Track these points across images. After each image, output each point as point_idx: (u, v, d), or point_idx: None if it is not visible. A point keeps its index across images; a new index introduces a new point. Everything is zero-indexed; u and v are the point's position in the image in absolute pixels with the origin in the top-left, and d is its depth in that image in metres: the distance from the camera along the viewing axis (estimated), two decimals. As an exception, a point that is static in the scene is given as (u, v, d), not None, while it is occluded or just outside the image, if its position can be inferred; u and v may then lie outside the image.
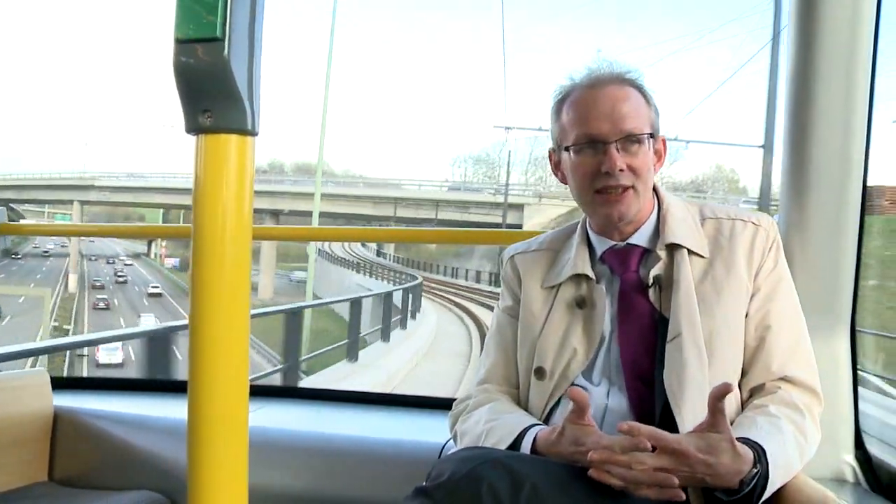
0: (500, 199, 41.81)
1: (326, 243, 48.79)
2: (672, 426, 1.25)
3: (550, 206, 42.35)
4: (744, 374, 1.35)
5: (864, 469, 1.51)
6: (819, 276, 1.50)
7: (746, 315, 1.35)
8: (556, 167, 1.46)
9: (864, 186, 1.49)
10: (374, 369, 10.79)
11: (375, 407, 2.31)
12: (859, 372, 1.54)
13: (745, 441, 1.16)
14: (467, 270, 43.39)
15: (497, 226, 35.86)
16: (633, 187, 1.35)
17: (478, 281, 40.41)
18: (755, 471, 1.14)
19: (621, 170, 1.32)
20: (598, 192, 1.36)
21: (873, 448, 1.51)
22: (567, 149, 1.38)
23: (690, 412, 1.25)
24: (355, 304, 11.04)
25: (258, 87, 0.68)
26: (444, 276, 42.64)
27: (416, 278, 24.36)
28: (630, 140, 1.33)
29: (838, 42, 1.47)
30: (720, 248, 1.37)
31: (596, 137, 1.33)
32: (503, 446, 1.28)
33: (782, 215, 1.57)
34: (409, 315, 16.02)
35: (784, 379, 1.32)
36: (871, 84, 1.48)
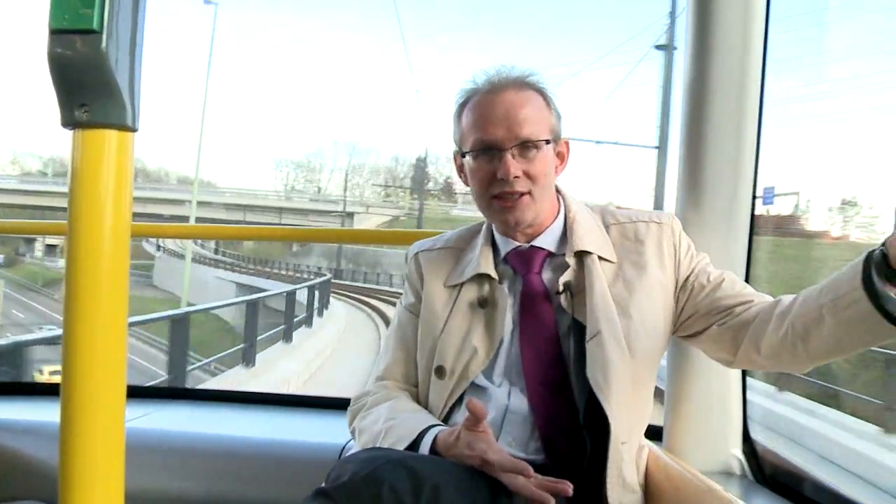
0: (331, 206, 48.94)
1: (167, 242, 51.11)
2: (599, 420, 1.28)
3: (376, 214, 49.28)
4: (718, 312, 1.34)
5: (750, 462, 1.59)
6: None
7: (687, 298, 1.38)
8: (460, 170, 1.46)
9: (754, 194, 1.57)
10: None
11: (277, 408, 2.28)
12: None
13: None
14: (308, 266, 45.21)
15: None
16: (529, 193, 1.35)
17: (319, 275, 42.89)
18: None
19: (516, 176, 1.33)
20: (494, 198, 1.36)
21: (757, 436, 1.59)
22: (464, 154, 1.39)
23: (617, 404, 1.29)
24: (251, 305, 10.55)
25: (139, 81, 0.66)
26: (287, 271, 43.90)
27: (325, 275, 24.60)
28: (526, 146, 1.34)
29: (731, 58, 1.54)
30: (628, 252, 1.41)
31: (491, 144, 1.34)
32: (402, 446, 1.27)
33: (678, 220, 1.64)
34: (314, 313, 15.89)
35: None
36: (761, 94, 1.56)
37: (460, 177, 1.47)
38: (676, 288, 1.39)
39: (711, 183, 1.57)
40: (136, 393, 2.36)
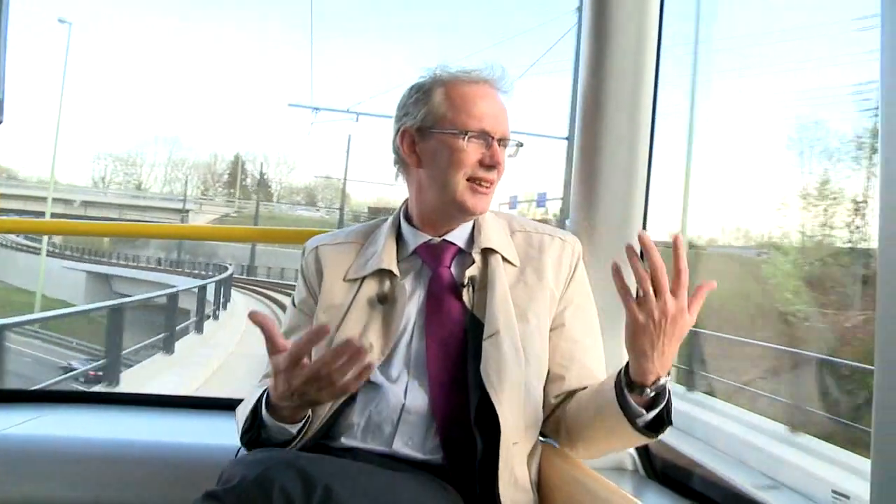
0: (168, 204, 51.86)
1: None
2: (490, 419, 1.29)
3: (208, 212, 53.15)
4: (553, 380, 1.42)
5: (642, 458, 1.64)
6: (605, 286, 1.61)
7: (562, 325, 1.43)
8: (411, 148, 1.42)
9: (647, 199, 1.63)
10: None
11: (171, 410, 2.19)
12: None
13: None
14: (148, 258, 45.64)
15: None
16: (494, 185, 1.41)
17: (158, 265, 43.20)
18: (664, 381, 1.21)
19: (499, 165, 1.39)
20: (470, 181, 1.38)
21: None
22: (444, 132, 1.37)
23: (509, 406, 1.30)
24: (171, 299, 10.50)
25: (3, 71, 0.61)
26: (126, 261, 44.69)
27: (228, 269, 24.21)
28: (506, 144, 1.40)
29: (625, 63, 1.60)
30: (530, 259, 1.44)
31: (491, 133, 1.38)
32: (244, 416, 1.31)
33: (572, 224, 1.68)
34: (214, 311, 15.54)
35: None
36: (654, 102, 1.62)
37: (409, 158, 1.43)
38: (557, 304, 1.44)
39: (605, 194, 1.62)
40: (19, 397, 2.21)
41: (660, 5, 1.60)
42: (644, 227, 1.63)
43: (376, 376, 1.37)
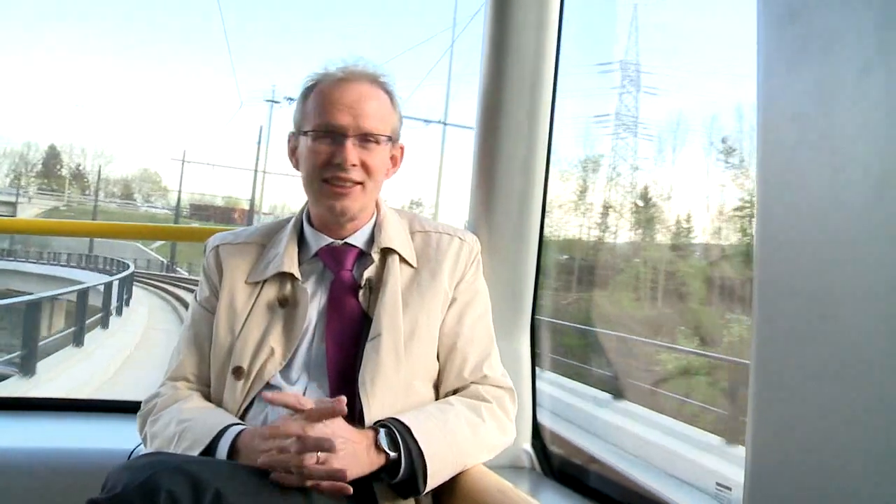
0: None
1: None
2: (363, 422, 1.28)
3: (36, 205, 55.92)
4: (440, 379, 1.42)
5: (539, 456, 1.67)
6: (504, 283, 1.64)
7: (443, 321, 1.42)
8: (293, 153, 1.45)
9: (545, 199, 1.66)
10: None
11: (59, 414, 2.06)
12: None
13: (393, 423, 1.24)
14: (40, 253, 43.96)
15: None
16: (362, 184, 1.37)
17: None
18: (393, 456, 1.21)
19: (354, 164, 1.34)
20: (325, 182, 1.36)
21: (544, 418, 1.68)
22: (305, 133, 1.38)
23: (380, 408, 1.29)
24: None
25: None
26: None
27: (128, 266, 23.36)
28: (368, 138, 1.36)
29: (525, 66, 1.62)
30: (428, 259, 1.44)
31: (335, 128, 1.35)
32: (199, 448, 1.22)
33: (471, 222, 1.69)
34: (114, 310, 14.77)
35: (475, 382, 1.41)
36: (553, 103, 1.65)
37: (291, 160, 1.45)
38: (451, 302, 1.44)
39: (504, 198, 1.65)
40: None
41: (559, 8, 1.64)
42: (542, 226, 1.66)
43: (276, 379, 1.35)
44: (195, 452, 1.22)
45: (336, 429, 1.17)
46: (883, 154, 0.64)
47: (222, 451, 1.22)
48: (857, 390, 0.65)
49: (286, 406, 1.19)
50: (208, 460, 1.19)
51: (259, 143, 45.04)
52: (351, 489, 1.14)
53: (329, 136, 1.35)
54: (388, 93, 1.43)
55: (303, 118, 1.41)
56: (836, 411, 0.67)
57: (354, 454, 1.17)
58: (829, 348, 0.68)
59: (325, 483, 1.13)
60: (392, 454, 1.21)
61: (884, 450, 0.62)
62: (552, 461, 1.66)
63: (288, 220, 1.50)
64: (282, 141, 1.50)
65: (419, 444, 1.22)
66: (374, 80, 1.41)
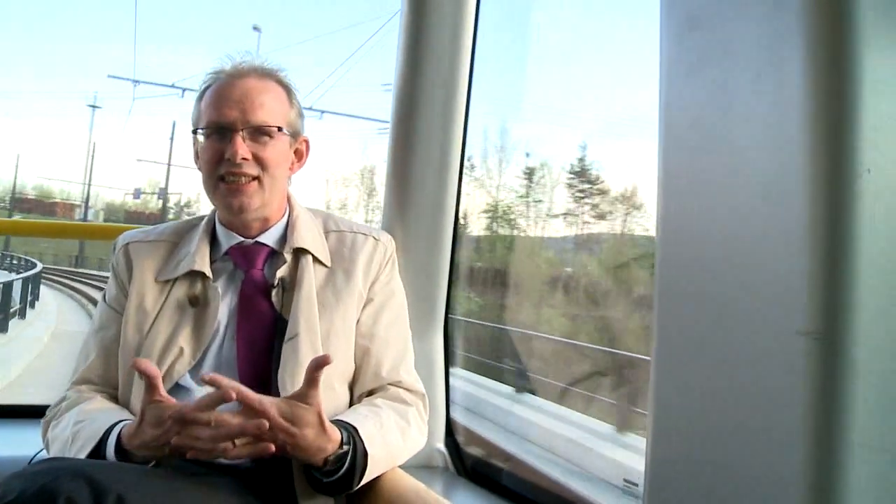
0: None
1: None
2: None
3: None
4: (355, 379, 1.41)
5: (452, 455, 1.68)
6: (418, 283, 1.64)
7: (358, 321, 1.41)
8: (196, 155, 1.42)
9: (458, 197, 1.68)
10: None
11: None
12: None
13: (339, 423, 1.22)
14: None
15: None
16: (258, 179, 1.34)
17: None
18: (345, 450, 1.20)
19: (245, 158, 1.31)
20: (221, 180, 1.34)
21: (457, 414, 1.70)
22: (198, 132, 1.37)
23: None
24: None
25: None
26: None
27: (35, 265, 22.09)
28: (260, 131, 1.33)
29: (440, 66, 1.63)
30: (342, 259, 1.43)
31: (224, 124, 1.32)
32: (88, 449, 1.18)
33: (385, 221, 1.69)
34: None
35: (392, 384, 1.41)
36: (468, 102, 1.67)
37: (196, 161, 1.42)
38: (365, 303, 1.44)
39: (418, 199, 1.66)
40: None
41: (475, 8, 1.65)
42: (456, 225, 1.68)
43: (185, 380, 1.32)
44: (85, 452, 1.18)
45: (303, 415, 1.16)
46: (773, 159, 0.67)
47: (110, 448, 1.18)
48: (751, 386, 0.68)
49: (220, 387, 1.13)
50: (112, 464, 1.15)
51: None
52: (273, 448, 1.13)
53: (219, 132, 1.33)
54: (284, 86, 1.41)
55: (197, 118, 1.40)
56: (731, 406, 0.70)
57: (305, 437, 1.16)
58: (725, 345, 0.71)
59: (244, 449, 1.12)
60: (346, 447, 1.20)
61: (772, 441, 0.66)
62: (465, 460, 1.67)
63: (201, 219, 1.47)
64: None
65: (364, 445, 1.22)
66: (266, 74, 1.39)
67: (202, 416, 1.11)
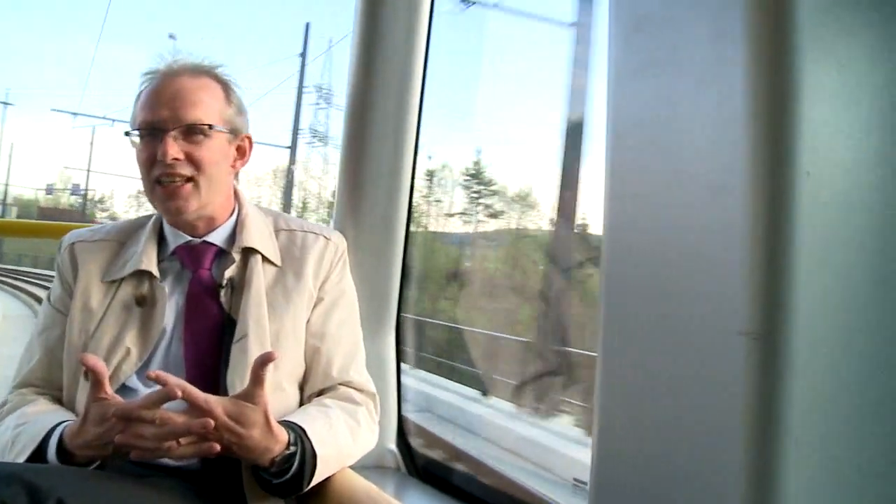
0: None
1: None
2: None
3: None
4: (305, 379, 1.39)
5: (404, 456, 1.67)
6: (370, 282, 1.64)
7: (308, 321, 1.39)
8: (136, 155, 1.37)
9: (411, 197, 1.67)
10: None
11: None
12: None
13: (287, 423, 1.21)
14: None
15: None
16: (192, 180, 1.30)
17: None
18: (292, 450, 1.18)
19: (177, 159, 1.27)
20: (157, 183, 1.30)
21: (408, 410, 1.70)
22: (131, 135, 1.32)
23: None
24: None
25: None
26: None
27: None
28: (192, 130, 1.29)
29: (393, 68, 1.63)
30: (292, 258, 1.41)
31: (155, 124, 1.28)
32: (27, 452, 1.14)
33: (337, 221, 1.68)
34: None
35: (342, 383, 1.40)
36: (420, 105, 1.67)
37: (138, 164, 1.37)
38: (316, 302, 1.42)
39: (370, 200, 1.65)
40: None
41: (429, 12, 1.65)
42: (409, 225, 1.67)
43: (132, 381, 1.29)
44: (25, 456, 1.14)
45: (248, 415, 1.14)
46: (716, 160, 0.69)
47: (51, 449, 1.15)
48: (694, 384, 0.69)
49: (165, 385, 1.10)
50: (50, 467, 1.12)
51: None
52: (218, 447, 1.11)
53: (151, 133, 1.29)
54: (220, 81, 1.38)
55: (133, 120, 1.36)
56: (674, 403, 0.71)
57: (251, 437, 1.14)
58: (670, 344, 0.72)
59: (189, 449, 1.10)
60: (293, 447, 1.18)
61: (714, 437, 0.67)
62: (417, 460, 1.67)
63: (149, 218, 1.44)
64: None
65: (313, 446, 1.21)
66: (201, 71, 1.36)
67: (147, 413, 1.08)
